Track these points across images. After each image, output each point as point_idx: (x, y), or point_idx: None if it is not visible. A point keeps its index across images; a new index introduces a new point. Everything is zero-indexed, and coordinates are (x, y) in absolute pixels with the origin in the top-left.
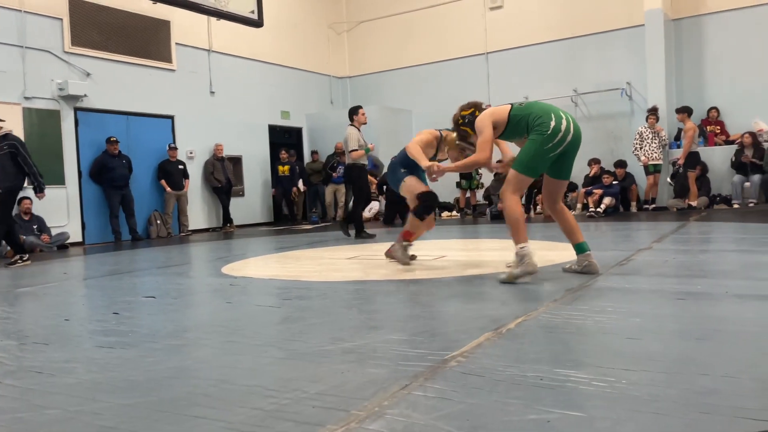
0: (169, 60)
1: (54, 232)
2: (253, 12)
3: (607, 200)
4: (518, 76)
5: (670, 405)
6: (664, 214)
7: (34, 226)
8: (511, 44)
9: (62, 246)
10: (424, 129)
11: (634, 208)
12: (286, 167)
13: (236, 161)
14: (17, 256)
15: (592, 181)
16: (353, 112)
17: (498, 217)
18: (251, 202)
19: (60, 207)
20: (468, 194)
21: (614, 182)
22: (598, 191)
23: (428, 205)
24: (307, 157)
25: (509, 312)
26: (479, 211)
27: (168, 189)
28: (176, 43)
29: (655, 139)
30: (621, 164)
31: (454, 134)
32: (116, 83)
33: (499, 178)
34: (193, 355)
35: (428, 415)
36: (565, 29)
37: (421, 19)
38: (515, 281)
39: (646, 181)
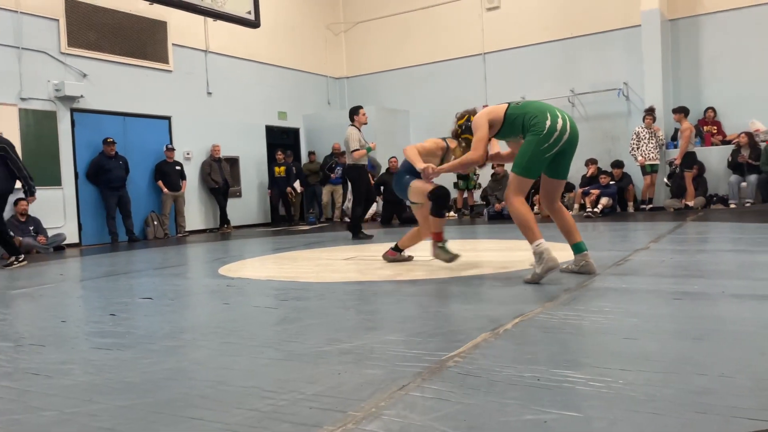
0: (165, 61)
1: (50, 233)
2: (249, 12)
3: (604, 200)
4: (515, 77)
5: (666, 405)
6: (661, 214)
7: (31, 228)
8: (508, 45)
9: (59, 247)
10: (421, 129)
11: (631, 209)
12: (282, 168)
13: (233, 162)
14: (13, 258)
15: (589, 181)
16: (354, 112)
17: (495, 217)
18: (248, 203)
19: (56, 208)
20: (465, 195)
21: (611, 182)
22: (595, 191)
23: (441, 203)
24: (304, 158)
25: (507, 312)
26: (477, 212)
27: (165, 190)
28: (173, 44)
29: (652, 140)
30: (618, 164)
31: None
32: (113, 84)
33: (497, 179)
34: (189, 356)
35: (425, 416)
36: (562, 30)
37: (419, 19)
38: (539, 281)
39: (643, 181)
